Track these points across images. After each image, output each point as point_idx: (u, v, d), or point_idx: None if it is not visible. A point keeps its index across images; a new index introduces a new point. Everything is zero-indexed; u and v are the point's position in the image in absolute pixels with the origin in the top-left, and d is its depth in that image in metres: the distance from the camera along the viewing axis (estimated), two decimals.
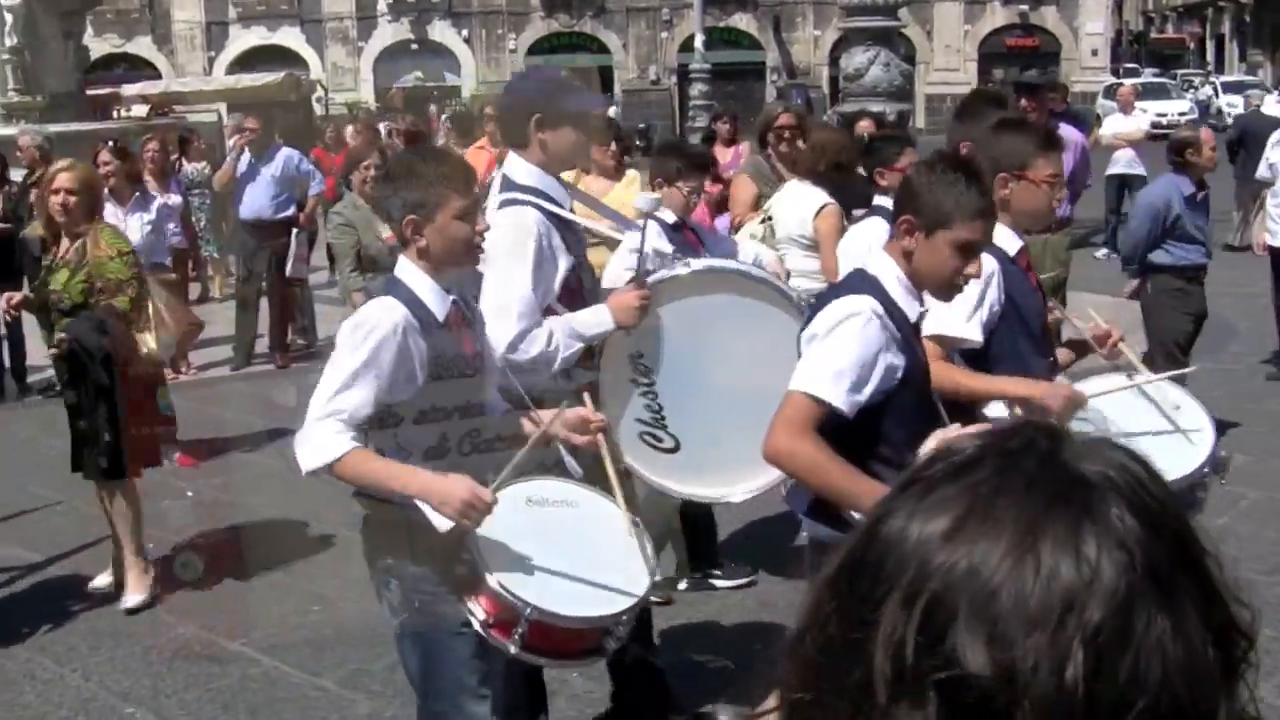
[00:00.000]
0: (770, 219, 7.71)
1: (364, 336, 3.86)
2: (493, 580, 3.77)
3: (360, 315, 3.97)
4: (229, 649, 6.58)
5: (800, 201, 7.48)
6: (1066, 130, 9.35)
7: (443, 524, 3.75)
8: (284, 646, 6.53)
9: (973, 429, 1.44)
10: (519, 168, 4.89)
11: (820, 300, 4.03)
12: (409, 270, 4.04)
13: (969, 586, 0.97)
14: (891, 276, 3.89)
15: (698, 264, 5.11)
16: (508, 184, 4.88)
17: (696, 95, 36.10)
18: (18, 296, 7.57)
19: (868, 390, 3.76)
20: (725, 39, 55.12)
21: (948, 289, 3.93)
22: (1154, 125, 23.97)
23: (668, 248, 5.76)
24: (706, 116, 28.23)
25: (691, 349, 4.94)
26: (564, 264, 4.80)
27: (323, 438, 3.78)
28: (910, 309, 3.91)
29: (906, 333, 3.87)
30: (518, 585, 3.78)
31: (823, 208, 7.33)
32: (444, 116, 23.26)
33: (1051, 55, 56.91)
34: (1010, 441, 1.05)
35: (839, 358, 3.74)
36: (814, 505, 3.95)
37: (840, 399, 3.71)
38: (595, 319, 4.77)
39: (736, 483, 4.99)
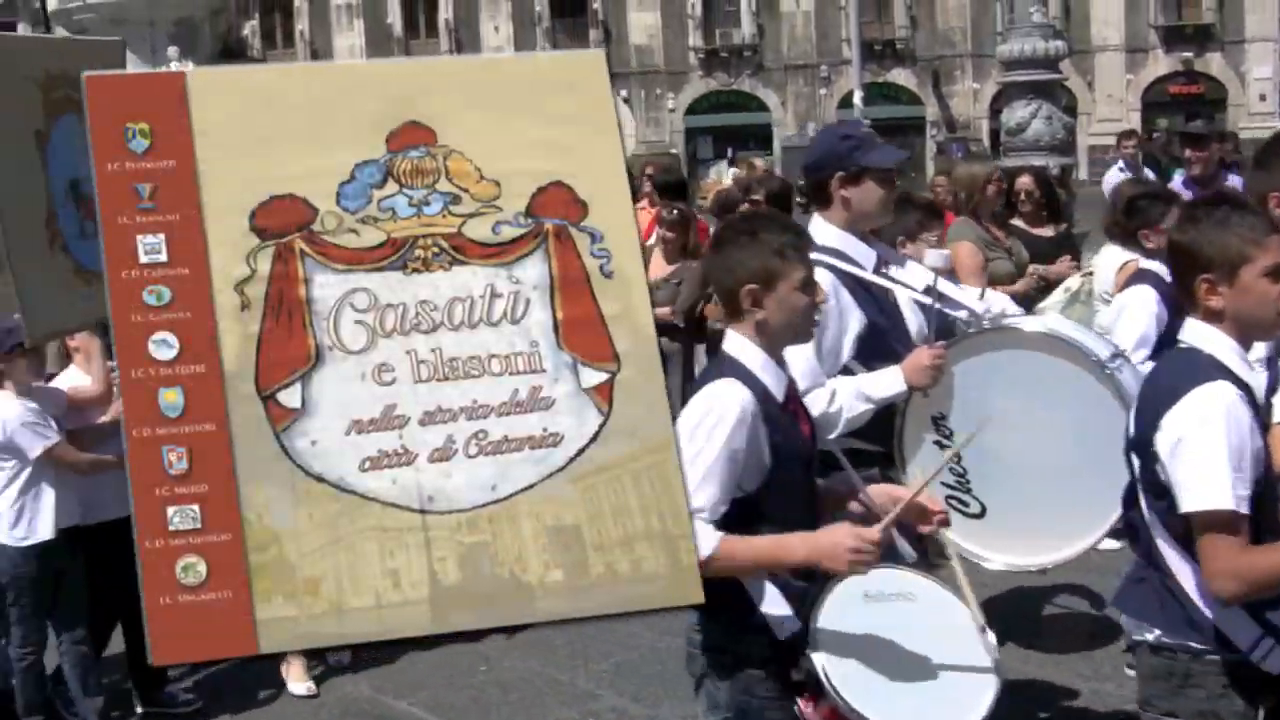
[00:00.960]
0: (1091, 273, 7.77)
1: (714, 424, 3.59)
2: (840, 698, 3.56)
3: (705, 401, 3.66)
4: (396, 708, 6.66)
5: (1111, 259, 7.42)
6: (1237, 182, 9.04)
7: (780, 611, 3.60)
8: (450, 706, 6.60)
9: None
10: (820, 229, 4.79)
11: (1160, 397, 3.60)
12: (742, 345, 3.77)
13: None
14: (1226, 348, 3.56)
15: (1034, 322, 4.94)
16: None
17: None
18: None
19: (1253, 481, 3.44)
20: (884, 94, 54.99)
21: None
22: None
23: (975, 303, 5.16)
24: None
25: (995, 410, 4.58)
26: (856, 323, 4.70)
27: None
28: (1250, 377, 3.60)
29: (1257, 406, 3.56)
30: (864, 701, 3.56)
31: (1124, 264, 7.13)
32: None
33: (1217, 102, 55.72)
34: None
35: (1226, 457, 3.40)
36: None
37: (1243, 501, 3.40)
38: (887, 380, 4.60)
39: (1044, 552, 4.72)
